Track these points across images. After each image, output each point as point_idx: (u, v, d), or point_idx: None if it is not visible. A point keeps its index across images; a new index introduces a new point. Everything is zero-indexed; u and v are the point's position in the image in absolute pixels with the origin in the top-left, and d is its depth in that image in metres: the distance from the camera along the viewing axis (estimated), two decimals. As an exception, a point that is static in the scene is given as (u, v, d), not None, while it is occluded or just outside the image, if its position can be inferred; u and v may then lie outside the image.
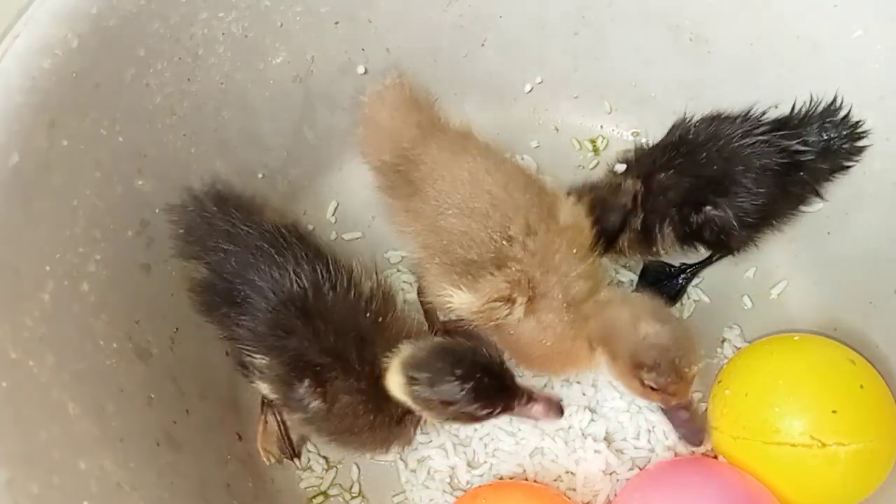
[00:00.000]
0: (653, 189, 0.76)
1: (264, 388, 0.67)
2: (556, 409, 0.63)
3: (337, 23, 0.80)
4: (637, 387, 0.64)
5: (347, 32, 0.80)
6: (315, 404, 0.63)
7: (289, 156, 0.85)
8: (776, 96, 0.77)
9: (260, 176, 0.83)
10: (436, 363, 0.60)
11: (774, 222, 0.78)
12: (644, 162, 0.79)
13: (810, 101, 0.75)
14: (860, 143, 0.74)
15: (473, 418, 0.61)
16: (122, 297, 0.68)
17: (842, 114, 0.74)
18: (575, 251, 0.66)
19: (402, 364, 0.61)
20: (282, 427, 0.76)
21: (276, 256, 0.65)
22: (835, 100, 0.74)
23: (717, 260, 0.82)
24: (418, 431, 0.69)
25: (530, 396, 0.62)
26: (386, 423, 0.65)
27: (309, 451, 0.79)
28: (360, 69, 0.83)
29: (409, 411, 0.64)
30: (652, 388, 0.63)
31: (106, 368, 0.65)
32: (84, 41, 0.63)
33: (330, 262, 0.66)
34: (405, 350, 0.62)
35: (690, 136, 0.77)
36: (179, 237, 0.69)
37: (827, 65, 0.75)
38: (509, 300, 0.64)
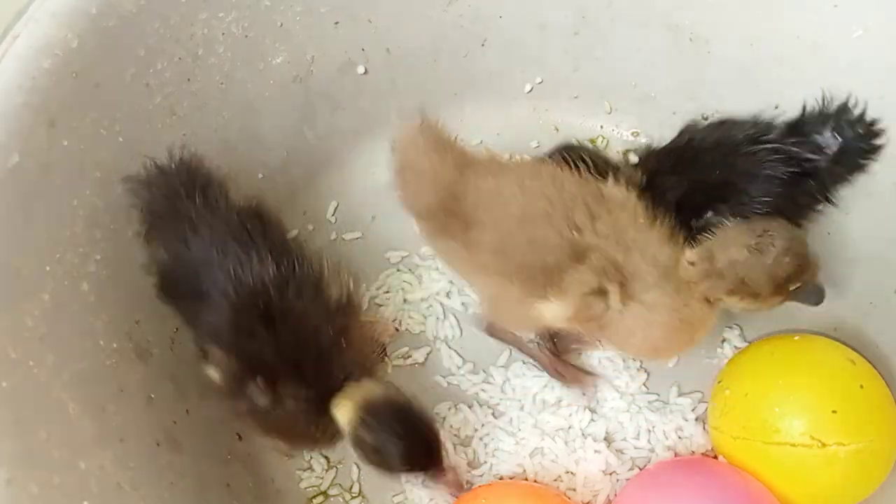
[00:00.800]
0: (654, 187, 0.76)
1: (215, 376, 0.66)
2: (455, 487, 0.68)
3: (337, 23, 0.80)
4: (781, 299, 0.66)
5: (347, 32, 0.80)
6: (261, 401, 0.63)
7: (289, 156, 0.85)
8: (776, 96, 0.77)
9: (260, 176, 0.83)
10: (390, 420, 0.63)
11: None
12: (650, 161, 0.79)
13: (822, 102, 0.74)
14: (877, 142, 0.73)
15: (390, 471, 0.65)
16: (122, 297, 0.68)
17: (857, 112, 0.72)
18: (642, 221, 0.66)
19: (360, 404, 0.63)
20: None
21: (241, 253, 0.64)
22: (848, 99, 0.73)
23: None
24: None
25: (444, 472, 0.66)
26: (317, 434, 0.67)
27: (310, 451, 0.79)
28: (360, 69, 0.84)
29: (338, 432, 0.66)
30: (798, 288, 0.66)
31: (106, 368, 0.65)
32: (84, 41, 0.63)
33: (297, 262, 0.65)
34: (367, 389, 0.64)
35: (696, 141, 0.77)
36: (141, 216, 0.67)
37: (827, 65, 0.75)
38: (601, 291, 0.63)
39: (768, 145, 0.73)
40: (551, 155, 0.78)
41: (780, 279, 0.65)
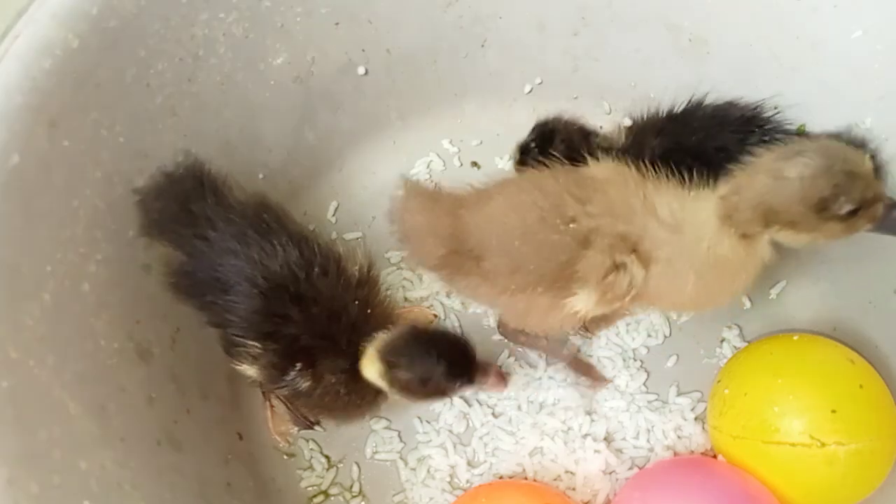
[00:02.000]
0: (637, 146, 0.76)
1: (251, 371, 0.67)
2: (502, 380, 0.67)
3: (337, 23, 0.80)
4: (842, 227, 0.59)
5: (347, 33, 0.80)
6: (304, 385, 0.65)
7: (289, 156, 0.85)
8: (776, 97, 0.77)
9: (260, 176, 0.83)
10: (412, 346, 0.64)
11: None
12: (640, 123, 0.80)
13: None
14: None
15: (443, 393, 0.66)
16: (122, 297, 0.68)
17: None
18: (634, 186, 0.65)
19: (379, 352, 0.65)
20: (289, 404, 0.77)
21: (262, 242, 0.65)
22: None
23: None
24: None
25: (486, 370, 0.66)
26: (360, 402, 0.68)
27: (311, 451, 0.79)
28: (361, 70, 0.84)
29: (379, 392, 0.67)
30: (854, 213, 0.58)
31: (106, 368, 0.65)
32: (84, 41, 0.63)
33: (316, 245, 0.67)
34: (380, 339, 0.65)
35: (690, 109, 0.77)
36: (153, 222, 0.68)
37: (827, 65, 0.75)
38: (618, 266, 0.63)
39: (760, 130, 0.73)
40: (529, 139, 0.79)
41: (817, 202, 0.58)
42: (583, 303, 0.65)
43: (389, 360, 0.64)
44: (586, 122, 0.82)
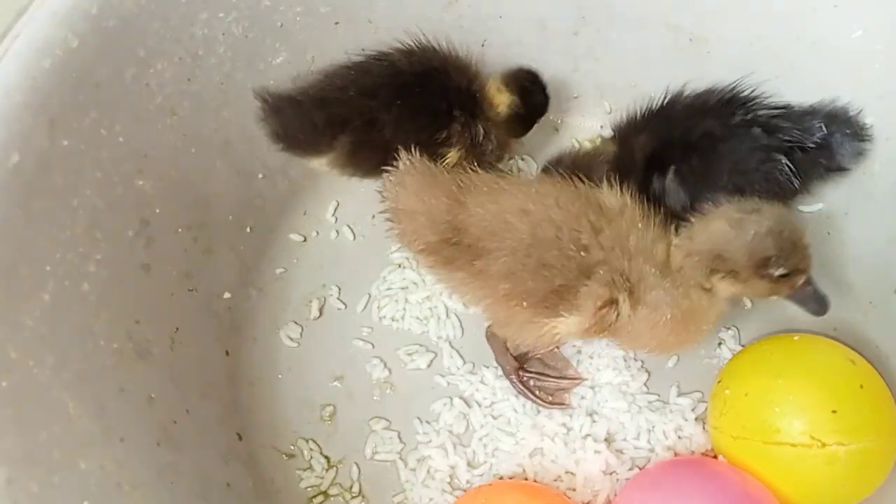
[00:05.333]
0: (625, 149, 0.77)
1: (453, 153, 0.74)
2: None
3: (337, 23, 0.80)
4: (767, 287, 0.65)
5: (347, 32, 0.80)
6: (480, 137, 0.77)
7: (289, 156, 0.85)
8: (776, 96, 0.77)
9: (260, 176, 0.83)
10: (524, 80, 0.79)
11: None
12: (623, 127, 0.80)
13: (819, 100, 0.74)
14: (865, 145, 0.73)
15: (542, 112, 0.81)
16: (122, 297, 0.68)
17: (850, 114, 0.73)
18: (639, 225, 0.66)
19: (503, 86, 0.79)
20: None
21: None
22: (847, 104, 0.73)
23: None
24: None
25: None
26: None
27: (311, 451, 0.79)
28: (361, 69, 0.84)
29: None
30: (783, 277, 0.64)
31: (106, 368, 0.65)
32: (84, 41, 0.63)
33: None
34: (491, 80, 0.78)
35: (669, 102, 0.77)
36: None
37: (827, 65, 0.75)
38: (613, 301, 0.64)
39: (744, 110, 0.73)
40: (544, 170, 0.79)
41: (760, 259, 0.63)
42: (567, 327, 0.65)
43: (511, 90, 0.78)
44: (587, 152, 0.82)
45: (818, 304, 0.68)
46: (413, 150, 0.71)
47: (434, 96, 0.74)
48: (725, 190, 0.71)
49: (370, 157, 0.74)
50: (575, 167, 0.75)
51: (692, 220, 0.67)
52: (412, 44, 0.76)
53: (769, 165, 0.72)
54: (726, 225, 0.64)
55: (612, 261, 0.64)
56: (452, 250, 0.67)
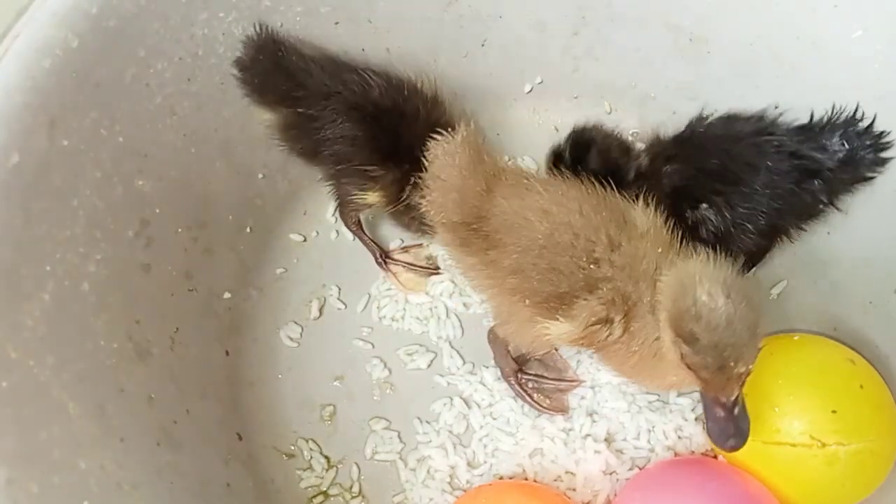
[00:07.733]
0: (654, 172, 0.76)
1: (374, 197, 0.75)
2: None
3: (337, 23, 0.80)
4: (675, 361, 0.59)
5: (347, 32, 0.80)
6: (416, 198, 0.74)
7: (289, 155, 0.85)
8: (776, 96, 0.77)
9: (260, 176, 0.83)
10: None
11: (781, 228, 0.75)
12: (655, 147, 0.79)
13: (832, 111, 0.73)
14: (885, 154, 0.72)
15: None
16: (122, 297, 0.68)
17: (865, 123, 0.72)
18: (660, 250, 0.64)
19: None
20: (407, 264, 0.83)
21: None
22: (857, 110, 0.72)
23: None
24: None
25: None
26: None
27: (311, 451, 0.79)
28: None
29: None
30: (687, 367, 0.57)
31: (106, 368, 0.65)
32: (84, 41, 0.63)
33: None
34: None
35: (701, 130, 0.77)
36: (255, 87, 0.75)
37: (827, 65, 0.75)
38: (607, 321, 0.63)
39: (773, 138, 0.73)
40: (563, 146, 0.78)
41: (677, 326, 0.57)
42: (557, 332, 0.65)
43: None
44: (625, 135, 0.82)
45: (720, 434, 0.58)
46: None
47: (389, 135, 0.74)
48: (761, 220, 0.72)
49: (299, 141, 0.77)
50: (604, 164, 0.75)
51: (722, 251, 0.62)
52: (410, 80, 0.77)
53: (802, 189, 0.72)
54: (691, 279, 0.57)
55: (618, 280, 0.63)
56: (470, 235, 0.67)
